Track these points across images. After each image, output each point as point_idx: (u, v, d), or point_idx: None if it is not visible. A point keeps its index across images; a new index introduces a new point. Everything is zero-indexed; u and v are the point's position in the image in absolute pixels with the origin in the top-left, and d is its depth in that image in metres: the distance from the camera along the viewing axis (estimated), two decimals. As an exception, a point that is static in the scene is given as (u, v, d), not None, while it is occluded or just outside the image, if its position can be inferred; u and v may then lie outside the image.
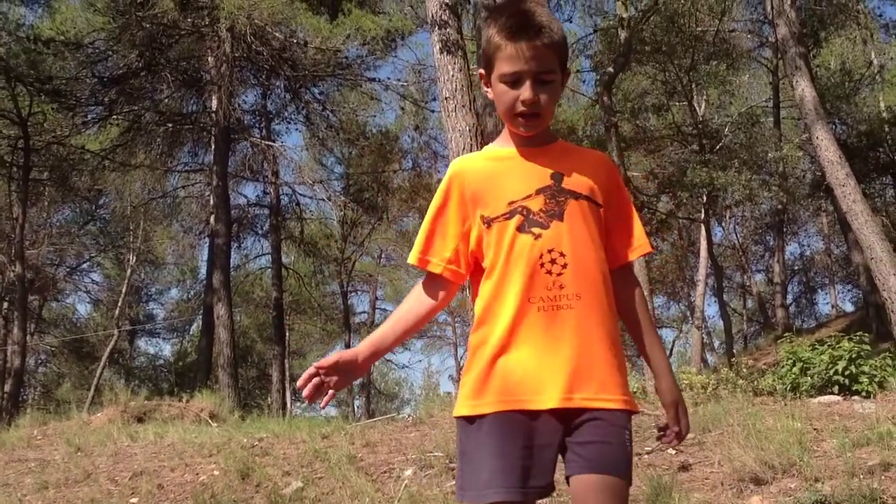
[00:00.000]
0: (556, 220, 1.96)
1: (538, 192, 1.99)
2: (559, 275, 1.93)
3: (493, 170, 2.06)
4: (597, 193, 2.04)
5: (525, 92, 1.98)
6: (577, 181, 2.02)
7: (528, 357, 1.90)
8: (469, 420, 1.94)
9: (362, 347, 2.09)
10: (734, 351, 21.82)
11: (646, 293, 1.80)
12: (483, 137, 10.93)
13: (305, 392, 2.01)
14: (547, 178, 2.01)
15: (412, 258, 2.10)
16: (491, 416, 1.90)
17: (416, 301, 2.14)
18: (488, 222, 1.99)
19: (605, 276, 2.00)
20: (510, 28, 1.99)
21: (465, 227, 2.04)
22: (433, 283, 2.11)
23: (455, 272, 2.06)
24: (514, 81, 1.99)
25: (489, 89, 2.08)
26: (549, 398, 1.87)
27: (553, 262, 1.93)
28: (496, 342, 1.94)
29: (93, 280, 35.01)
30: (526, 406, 1.88)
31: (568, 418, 1.89)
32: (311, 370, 2.02)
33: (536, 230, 1.95)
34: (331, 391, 2.04)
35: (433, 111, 25.60)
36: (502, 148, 2.12)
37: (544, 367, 1.89)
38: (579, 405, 1.88)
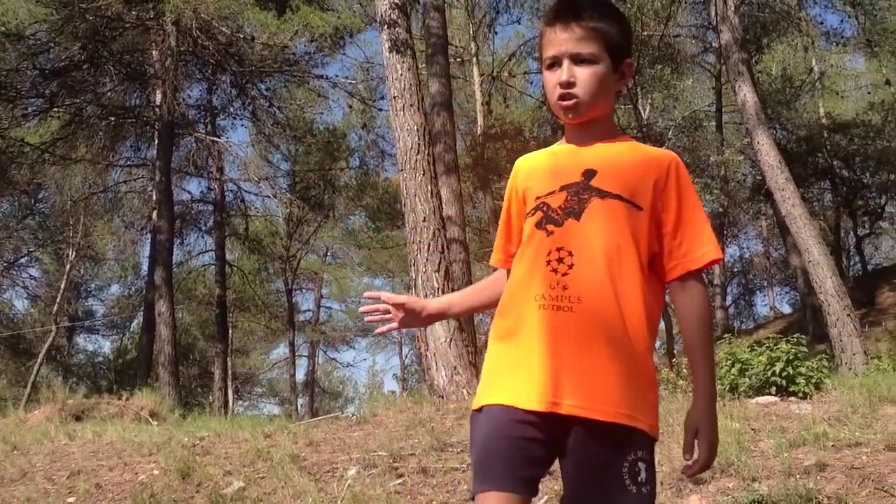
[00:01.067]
0: (571, 219, 1.92)
1: (562, 188, 1.96)
2: (564, 275, 1.88)
3: (540, 165, 2.08)
4: (637, 195, 1.93)
5: (562, 73, 1.97)
6: (611, 180, 1.94)
7: (524, 355, 1.87)
8: (475, 412, 1.95)
9: (433, 302, 2.21)
10: (675, 351, 22.09)
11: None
12: (431, 137, 10.97)
13: (370, 315, 2.17)
14: (578, 174, 1.97)
15: (494, 260, 2.20)
16: (484, 410, 1.90)
17: (494, 284, 2.21)
18: (525, 216, 2.03)
19: (623, 282, 1.88)
20: (550, 13, 2.03)
21: (521, 221, 2.07)
22: (500, 272, 2.20)
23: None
24: (553, 65, 2.00)
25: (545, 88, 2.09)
26: (536, 399, 1.82)
27: (560, 260, 1.89)
28: (498, 336, 1.96)
29: (31, 275, 34.32)
30: (514, 403, 1.84)
31: (558, 426, 1.83)
32: (375, 295, 2.16)
33: (551, 227, 1.93)
34: (391, 324, 2.20)
35: (381, 109, 25.51)
36: (559, 144, 2.12)
37: (536, 368, 1.84)
38: (568, 412, 1.81)
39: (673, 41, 21.36)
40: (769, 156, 12.96)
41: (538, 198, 1.98)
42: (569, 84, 1.95)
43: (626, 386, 1.84)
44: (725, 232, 30.64)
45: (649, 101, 23.48)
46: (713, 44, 20.91)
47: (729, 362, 8.49)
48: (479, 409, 1.92)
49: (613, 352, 1.84)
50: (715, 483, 4.91)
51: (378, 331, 2.24)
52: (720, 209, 23.81)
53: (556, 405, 1.81)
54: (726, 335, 10.18)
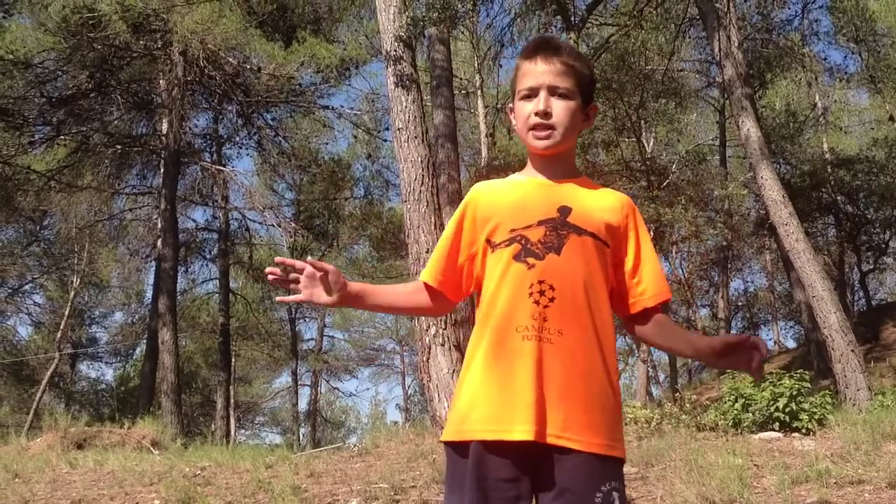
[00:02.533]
0: (552, 253, 1.96)
1: (540, 223, 2.00)
2: (545, 307, 1.92)
3: (506, 196, 2.11)
4: (605, 233, 2.03)
5: (538, 103, 2.04)
6: (585, 218, 2.02)
7: (507, 386, 1.89)
8: (454, 446, 1.95)
9: (354, 283, 2.16)
10: (679, 385, 22.05)
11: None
12: (434, 168, 11.01)
13: (272, 276, 2.10)
14: (553, 210, 2.02)
15: (425, 276, 2.17)
16: (470, 447, 1.90)
17: (414, 295, 2.20)
18: (493, 247, 2.03)
19: (599, 316, 1.97)
20: (529, 48, 2.12)
21: (473, 249, 2.10)
22: (431, 295, 2.18)
23: (453, 290, 2.16)
24: (529, 96, 2.07)
25: (515, 119, 2.14)
26: (521, 430, 1.84)
27: (542, 293, 1.93)
28: (478, 366, 1.96)
29: (35, 302, 34.37)
30: (500, 437, 1.86)
31: (540, 459, 1.87)
32: (290, 262, 2.12)
33: (531, 260, 1.96)
34: (295, 294, 2.13)
35: (386, 140, 25.68)
36: (522, 177, 2.17)
37: (519, 399, 1.87)
38: (554, 443, 1.85)
39: (677, 76, 21.46)
40: (773, 190, 12.97)
41: (514, 230, 2.00)
42: (546, 114, 2.04)
43: (604, 416, 1.92)
44: (729, 266, 30.57)
45: (653, 134, 23.53)
46: (717, 78, 20.99)
47: (732, 397, 8.47)
48: (462, 444, 1.92)
49: (591, 383, 1.92)
50: (717, 519, 4.89)
51: (279, 299, 2.23)
52: (724, 243, 23.79)
53: (542, 435, 1.84)
54: (729, 370, 10.15)
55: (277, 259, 2.10)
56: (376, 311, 2.22)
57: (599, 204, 2.07)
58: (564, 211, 2.01)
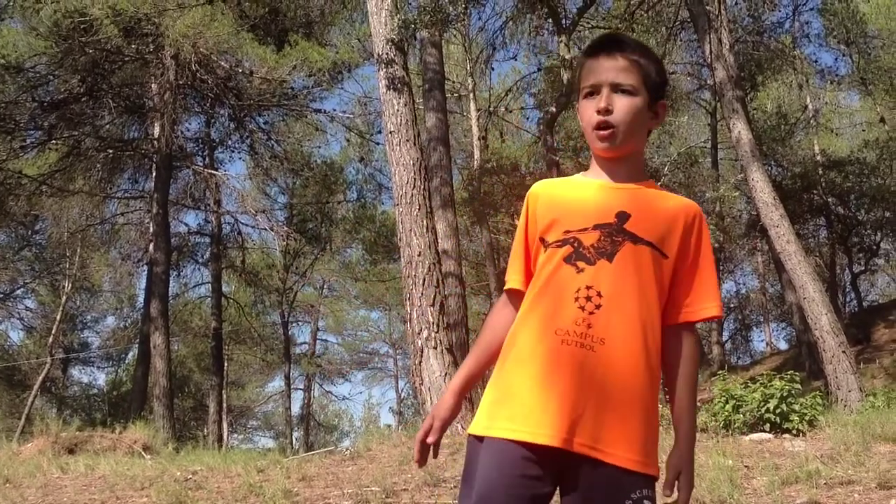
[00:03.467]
0: (604, 259, 1.90)
1: (596, 227, 1.93)
2: (591, 313, 1.86)
3: (566, 196, 2.04)
4: (666, 243, 1.95)
5: (600, 101, 1.97)
6: (644, 226, 1.94)
7: (540, 388, 1.85)
8: (477, 438, 1.91)
9: (452, 399, 2.08)
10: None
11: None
12: (427, 171, 11.03)
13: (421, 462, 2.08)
14: (611, 215, 1.94)
15: (511, 283, 2.11)
16: (486, 441, 1.87)
17: (497, 324, 2.10)
18: (546, 245, 1.98)
19: (649, 329, 1.90)
20: (592, 46, 2.06)
21: (535, 247, 2.04)
22: (514, 302, 2.08)
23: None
24: (592, 93, 2.00)
25: (580, 118, 2.08)
26: (548, 434, 1.80)
27: (588, 299, 1.87)
28: (513, 364, 1.92)
29: (26, 307, 34.27)
30: (523, 438, 1.82)
31: (565, 463, 1.82)
32: (421, 445, 2.05)
33: (581, 264, 1.90)
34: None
35: (378, 143, 25.68)
36: (585, 177, 2.09)
37: (551, 403, 1.82)
38: (579, 451, 1.79)
39: (668, 78, 21.52)
40: (764, 192, 13.02)
41: (568, 231, 1.95)
42: (607, 111, 1.96)
43: (640, 431, 1.85)
44: (721, 268, 30.69)
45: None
46: (708, 81, 21.06)
47: (723, 399, 8.49)
48: (481, 438, 1.88)
49: (631, 397, 1.85)
50: (707, 521, 4.90)
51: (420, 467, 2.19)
52: (715, 245, 23.86)
53: (569, 442, 1.79)
54: (721, 371, 10.18)
55: (419, 461, 2.08)
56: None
57: (663, 212, 1.98)
58: (622, 217, 1.94)
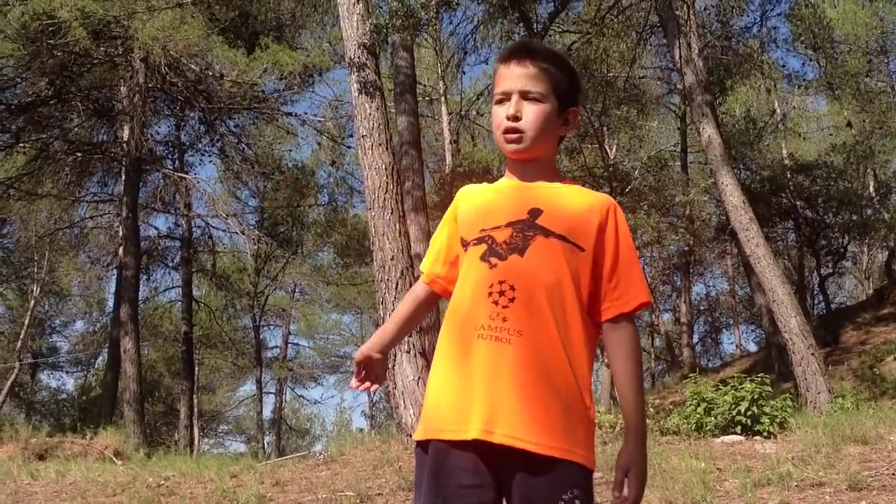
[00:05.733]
0: (515, 254, 1.95)
1: (508, 224, 1.99)
2: (504, 307, 1.90)
3: (485, 198, 2.11)
4: (579, 236, 1.98)
5: (509, 107, 2.04)
6: (556, 220, 1.98)
7: (461, 385, 1.89)
8: (418, 445, 1.97)
9: (380, 348, 2.30)
10: (643, 389, 22.20)
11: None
12: (399, 175, 11.02)
13: (362, 387, 2.28)
14: (524, 212, 2.00)
15: (427, 269, 2.24)
16: (430, 448, 1.91)
17: (418, 312, 2.30)
18: (465, 245, 2.05)
19: (564, 319, 1.92)
20: (506, 52, 2.12)
21: (456, 249, 2.13)
22: (426, 293, 2.25)
23: (443, 287, 2.18)
24: (503, 100, 2.07)
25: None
26: (472, 428, 1.83)
27: (501, 293, 1.91)
28: (440, 366, 1.98)
29: (-7, 311, 33.85)
30: (448, 436, 1.86)
31: (500, 463, 1.83)
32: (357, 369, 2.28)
33: (494, 260, 1.96)
34: (374, 384, 2.32)
35: (349, 147, 25.64)
36: (503, 180, 2.17)
37: (472, 397, 1.86)
38: (501, 441, 1.81)
39: (638, 82, 21.67)
40: (733, 196, 13.14)
41: (483, 230, 2.00)
42: (515, 118, 2.03)
43: (562, 419, 1.86)
44: (692, 270, 30.93)
45: (615, 141, 23.74)
46: (678, 85, 21.23)
47: (695, 402, 8.56)
48: (424, 444, 1.93)
49: (551, 386, 1.87)
50: (680, 523, 4.93)
51: (362, 388, 2.32)
52: (685, 248, 24.05)
53: (489, 433, 1.81)
54: (692, 374, 10.25)
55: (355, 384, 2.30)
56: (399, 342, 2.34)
57: (575, 206, 2.02)
58: (534, 213, 1.99)
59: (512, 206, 2.03)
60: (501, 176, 2.17)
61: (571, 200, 2.04)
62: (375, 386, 2.30)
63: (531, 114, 2.03)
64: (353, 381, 2.27)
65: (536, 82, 2.03)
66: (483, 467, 1.84)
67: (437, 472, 1.87)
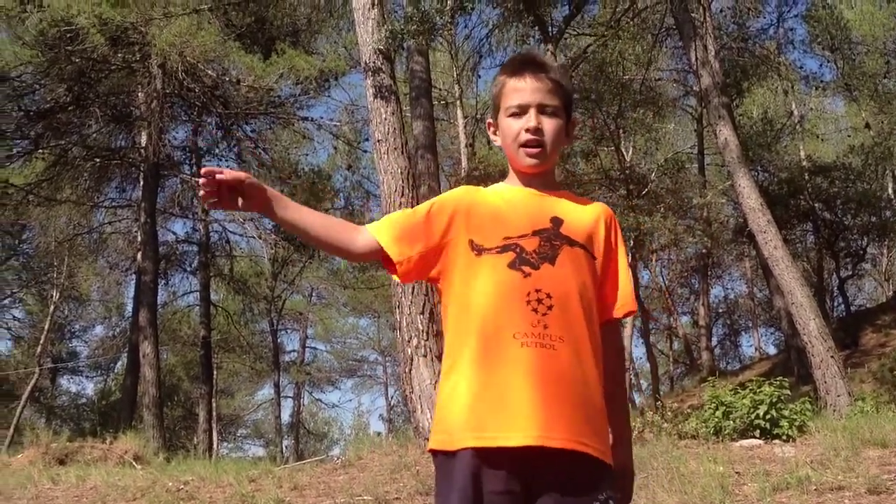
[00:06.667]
0: (546, 263, 1.98)
1: (534, 233, 2.02)
2: (544, 314, 1.93)
3: (497, 204, 2.10)
4: (593, 244, 2.07)
5: (529, 120, 2.07)
6: (575, 229, 2.05)
7: (501, 392, 1.88)
8: (445, 455, 1.91)
9: (272, 192, 2.03)
10: (660, 393, 22.09)
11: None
12: (415, 180, 11.04)
13: (205, 191, 1.98)
14: (546, 220, 2.04)
15: (377, 232, 2.06)
16: (463, 452, 1.87)
17: (341, 229, 2.09)
18: (480, 251, 2.01)
19: (592, 325, 1.99)
20: (516, 64, 2.14)
21: (443, 241, 2.05)
22: (369, 244, 2.07)
23: (406, 271, 2.06)
24: (518, 113, 2.09)
25: (497, 136, 2.17)
26: (524, 436, 1.83)
27: (539, 301, 1.94)
28: (467, 374, 1.93)
29: (14, 316, 34.13)
30: (499, 443, 1.84)
31: (537, 467, 1.85)
32: (211, 170, 1.97)
33: (527, 269, 1.97)
34: (213, 200, 2.00)
35: (366, 151, 25.66)
36: (508, 187, 2.17)
37: (516, 404, 1.86)
38: (560, 446, 1.84)
39: (654, 85, 21.60)
40: (751, 198, 13.08)
41: (508, 238, 2.00)
42: (537, 130, 2.06)
43: (598, 422, 1.94)
44: (709, 273, 30.79)
45: (632, 143, 23.70)
46: (694, 87, 21.16)
47: (713, 405, 8.52)
48: (452, 453, 1.89)
49: (588, 390, 1.93)
50: (699, 528, 4.92)
51: (207, 205, 2.04)
52: (703, 250, 23.98)
53: (545, 439, 1.83)
54: (710, 377, 10.20)
55: (205, 170, 1.96)
56: (290, 227, 2.05)
57: (586, 216, 2.10)
58: (557, 222, 2.04)
59: (532, 215, 2.05)
60: (492, 181, 2.18)
61: (581, 210, 2.12)
62: (213, 200, 1.99)
63: (550, 127, 2.08)
64: (203, 183, 1.98)
65: (552, 97, 2.09)
66: (517, 469, 1.85)
67: (471, 478, 1.85)
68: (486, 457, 1.85)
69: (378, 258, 2.08)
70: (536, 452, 1.84)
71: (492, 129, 2.20)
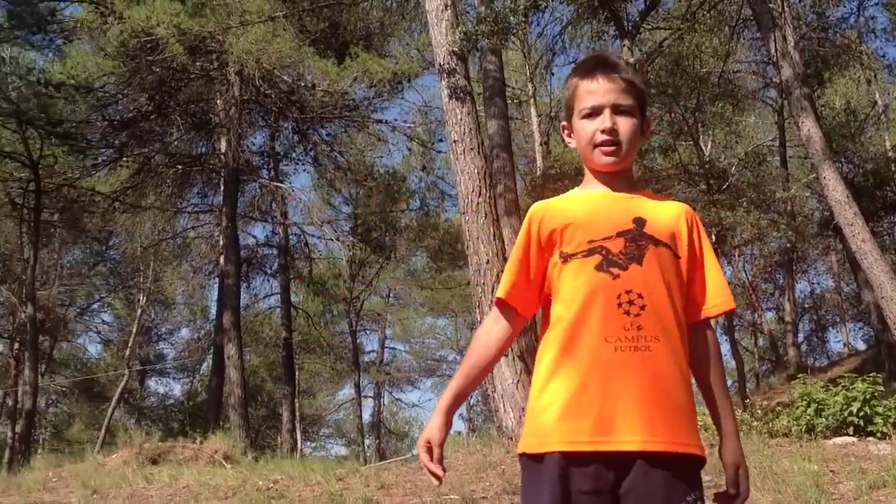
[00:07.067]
0: (634, 263, 1.98)
1: (619, 234, 2.01)
2: (637, 315, 1.93)
3: (577, 208, 2.10)
4: (677, 243, 2.06)
5: (604, 121, 2.07)
6: (658, 228, 2.04)
7: (605, 396, 1.88)
8: (533, 458, 1.93)
9: (444, 421, 2.09)
10: (747, 390, 21.66)
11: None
12: (491, 179, 11.03)
13: (439, 473, 2.04)
14: (629, 221, 2.03)
15: (501, 292, 2.13)
16: (551, 456, 1.89)
17: (491, 345, 2.14)
18: (566, 258, 2.03)
19: (681, 324, 1.99)
20: (588, 66, 2.15)
21: (543, 265, 2.08)
22: (508, 318, 2.14)
23: (528, 308, 2.13)
24: (592, 114, 2.09)
25: (571, 139, 2.18)
26: (626, 440, 1.85)
27: (631, 302, 1.94)
28: (562, 378, 1.94)
29: (103, 320, 35.14)
30: (592, 448, 1.85)
31: (624, 465, 1.86)
32: (428, 464, 2.05)
33: (615, 270, 1.97)
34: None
35: (440, 151, 25.81)
36: (585, 190, 2.18)
37: (620, 408, 1.87)
38: (663, 448, 1.85)
39: (733, 77, 21.19)
40: (836, 191, 12.73)
41: (593, 241, 2.00)
42: (613, 131, 2.06)
43: (692, 419, 1.95)
44: (795, 267, 30.09)
45: (711, 137, 23.28)
46: (774, 79, 20.68)
47: (804, 402, 8.34)
48: (541, 455, 1.90)
49: (682, 387, 1.94)
50: (794, 528, 4.81)
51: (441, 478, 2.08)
52: (788, 245, 23.42)
53: (646, 443, 1.84)
54: (800, 375, 9.96)
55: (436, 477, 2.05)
56: (464, 400, 2.18)
57: (667, 215, 2.09)
58: (640, 222, 2.03)
59: (615, 216, 2.05)
60: (568, 179, 2.17)
61: (662, 209, 2.11)
62: (438, 471, 2.05)
63: (626, 128, 2.08)
64: (434, 468, 2.04)
65: (626, 96, 2.09)
66: (607, 471, 1.86)
67: (560, 479, 1.86)
68: (575, 460, 1.86)
69: (515, 317, 2.14)
70: (633, 456, 1.85)
71: (566, 131, 2.20)
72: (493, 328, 2.15)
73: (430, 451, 2.05)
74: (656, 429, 1.86)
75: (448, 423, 2.09)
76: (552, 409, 1.93)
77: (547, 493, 1.87)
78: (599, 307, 1.95)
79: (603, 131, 2.06)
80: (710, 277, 2.09)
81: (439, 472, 2.03)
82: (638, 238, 2.01)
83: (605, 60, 2.15)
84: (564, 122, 2.21)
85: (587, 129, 2.09)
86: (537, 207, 2.16)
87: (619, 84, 2.08)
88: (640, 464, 1.85)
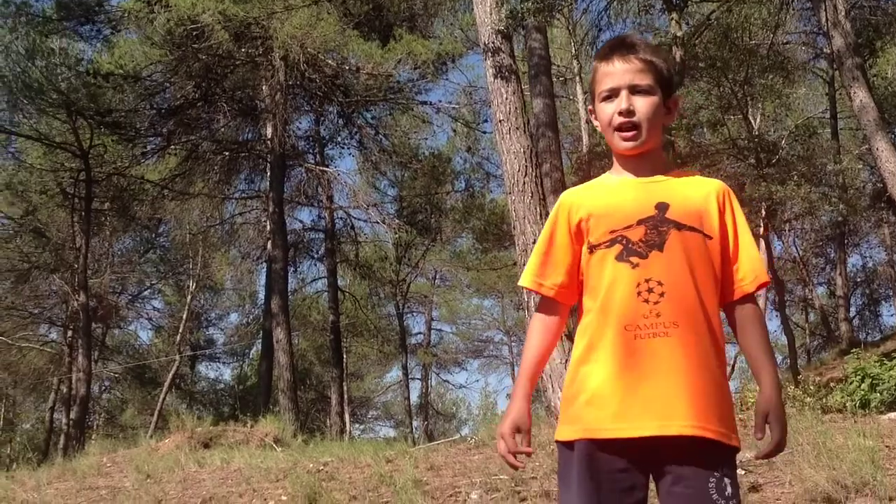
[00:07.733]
0: (655, 251, 1.99)
1: (639, 222, 2.03)
2: (656, 303, 1.95)
3: (600, 198, 2.12)
4: (706, 224, 2.06)
5: (621, 102, 2.08)
6: (683, 211, 2.04)
7: (626, 385, 1.93)
8: (565, 445, 1.99)
9: (525, 408, 2.11)
10: (798, 366, 21.40)
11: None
12: (537, 158, 10.97)
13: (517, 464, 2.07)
14: (651, 208, 2.04)
15: (526, 281, 2.18)
16: (583, 443, 1.94)
17: (540, 334, 2.19)
18: (592, 248, 2.06)
19: (708, 306, 1.99)
20: (606, 49, 2.17)
21: (575, 254, 2.12)
22: (549, 307, 2.19)
23: (566, 295, 2.15)
24: (610, 96, 2.11)
25: (597, 122, 2.19)
26: (644, 426, 1.89)
27: (650, 290, 1.96)
28: (596, 369, 1.98)
29: (154, 307, 35.58)
30: (615, 434, 1.91)
31: (654, 448, 1.90)
32: (513, 451, 2.07)
33: (634, 259, 2.00)
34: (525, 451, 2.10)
35: (485, 132, 25.70)
36: (612, 177, 2.19)
37: (639, 396, 1.91)
38: (679, 433, 1.88)
39: (782, 49, 20.80)
40: (890, 162, 12.48)
41: (613, 231, 2.03)
42: (629, 112, 2.07)
43: (720, 405, 1.96)
44: (846, 241, 29.57)
45: (760, 110, 22.89)
46: (824, 50, 20.30)
47: (858, 377, 8.22)
48: (571, 444, 1.97)
49: (708, 372, 1.95)
50: (850, 503, 4.74)
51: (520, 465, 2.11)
52: (839, 218, 23.03)
53: (662, 427, 1.88)
54: (854, 350, 9.81)
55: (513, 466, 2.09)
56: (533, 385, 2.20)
57: (696, 195, 2.09)
58: (662, 207, 2.05)
59: (637, 203, 2.07)
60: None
61: (690, 190, 2.11)
62: (529, 449, 2.10)
63: (643, 106, 2.08)
64: (524, 450, 2.08)
65: (643, 75, 2.09)
66: (637, 454, 1.91)
67: (589, 460, 1.93)
68: (603, 446, 1.92)
69: (557, 306, 2.18)
70: (654, 441, 1.89)
71: (592, 115, 2.22)
72: (545, 320, 2.20)
73: (513, 437, 2.07)
74: (672, 413, 1.89)
75: (530, 409, 2.14)
76: (580, 398, 2.00)
77: (575, 479, 1.94)
78: (620, 297, 1.99)
79: (620, 113, 2.08)
80: (742, 254, 2.10)
81: (526, 452, 2.07)
82: (659, 224, 2.02)
83: (623, 42, 2.16)
84: (590, 107, 2.23)
85: (606, 112, 2.12)
86: (566, 197, 2.20)
87: (635, 64, 2.09)
88: (662, 448, 1.89)
